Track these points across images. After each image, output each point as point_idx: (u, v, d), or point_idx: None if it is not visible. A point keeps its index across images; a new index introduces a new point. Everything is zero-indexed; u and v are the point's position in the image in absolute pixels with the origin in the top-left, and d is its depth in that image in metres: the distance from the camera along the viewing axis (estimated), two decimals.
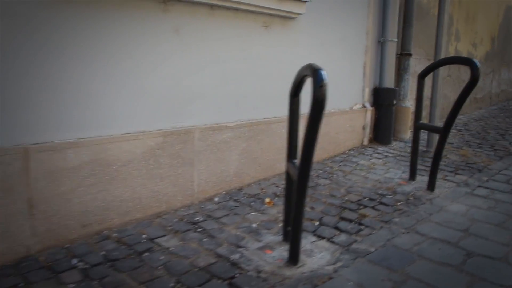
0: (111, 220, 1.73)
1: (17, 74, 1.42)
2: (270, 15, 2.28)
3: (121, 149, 1.71)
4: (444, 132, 2.20)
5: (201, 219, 1.87)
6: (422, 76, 2.38)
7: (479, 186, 2.46)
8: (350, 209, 2.04)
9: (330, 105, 2.87)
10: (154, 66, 1.81)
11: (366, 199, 2.18)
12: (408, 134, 3.65)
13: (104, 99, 1.66)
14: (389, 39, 3.26)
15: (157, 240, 1.66)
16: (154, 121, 1.83)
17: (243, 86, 2.23)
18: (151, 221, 1.84)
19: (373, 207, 2.07)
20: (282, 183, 2.38)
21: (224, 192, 2.19)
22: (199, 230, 1.77)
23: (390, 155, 3.09)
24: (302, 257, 1.55)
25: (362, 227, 1.84)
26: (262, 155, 2.36)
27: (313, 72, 1.15)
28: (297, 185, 1.36)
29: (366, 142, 3.30)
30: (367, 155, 3.06)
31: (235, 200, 2.11)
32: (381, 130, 3.35)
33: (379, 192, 2.29)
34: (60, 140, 1.54)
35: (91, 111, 1.63)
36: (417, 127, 2.41)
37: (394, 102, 3.33)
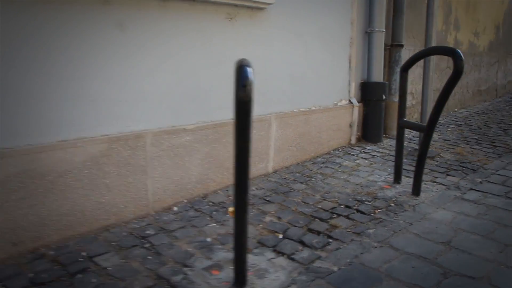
0: (48, 237, 1.56)
1: None
2: (235, 5, 2.08)
3: (56, 158, 1.54)
4: (428, 130, 1.98)
5: (152, 232, 1.70)
6: (404, 69, 2.16)
7: (471, 189, 2.23)
8: (321, 219, 1.84)
9: (310, 102, 2.67)
10: (95, 66, 1.63)
11: (342, 206, 1.98)
12: None
13: (35, 103, 1.49)
14: (377, 29, 3.03)
15: (96, 259, 1.49)
16: (97, 126, 1.66)
17: (205, 86, 2.04)
18: (97, 235, 1.67)
19: (347, 216, 1.87)
20: (252, 188, 2.19)
21: (185, 200, 2.01)
22: (146, 245, 1.59)
23: (378, 154, 2.88)
24: (253, 278, 1.36)
25: (330, 240, 1.65)
26: (229, 159, 2.18)
27: (237, 69, 0.96)
28: (236, 199, 1.18)
29: (353, 140, 3.09)
30: (353, 155, 2.84)
31: (196, 210, 1.93)
32: (370, 128, 3.13)
33: (358, 198, 2.09)
34: None
35: (19, 117, 1.46)
36: (400, 125, 2.20)
37: (384, 97, 3.10)
